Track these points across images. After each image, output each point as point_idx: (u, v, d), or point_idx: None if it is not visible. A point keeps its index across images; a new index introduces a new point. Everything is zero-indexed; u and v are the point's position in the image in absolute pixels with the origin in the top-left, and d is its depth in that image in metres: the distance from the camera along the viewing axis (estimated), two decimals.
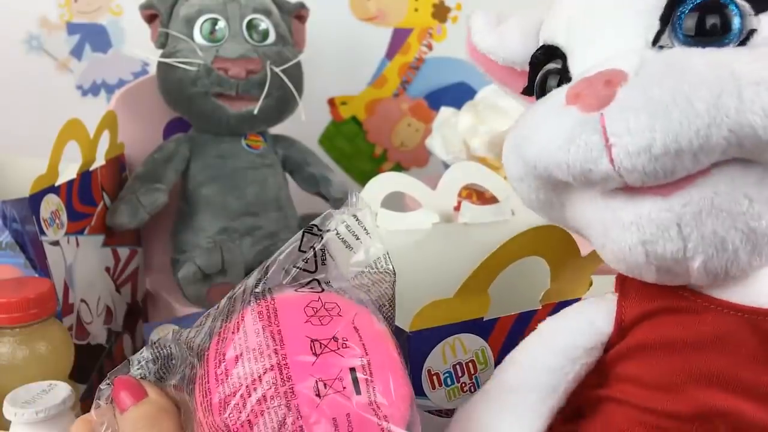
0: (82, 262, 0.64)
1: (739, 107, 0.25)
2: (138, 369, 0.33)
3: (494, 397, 0.34)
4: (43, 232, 0.57)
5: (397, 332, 0.37)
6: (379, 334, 0.30)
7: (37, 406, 0.44)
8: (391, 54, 0.99)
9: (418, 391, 0.37)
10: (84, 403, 0.62)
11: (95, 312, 0.66)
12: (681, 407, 0.30)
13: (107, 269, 0.70)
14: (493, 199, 0.55)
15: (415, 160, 1.03)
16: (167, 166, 0.74)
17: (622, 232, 0.28)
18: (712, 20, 0.28)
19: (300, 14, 0.80)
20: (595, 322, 0.33)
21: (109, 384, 0.33)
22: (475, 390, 0.33)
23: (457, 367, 0.37)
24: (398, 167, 1.03)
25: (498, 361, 0.37)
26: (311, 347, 0.28)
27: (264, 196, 0.75)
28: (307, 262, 0.31)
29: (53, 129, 0.59)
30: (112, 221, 0.69)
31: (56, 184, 0.60)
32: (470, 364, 0.37)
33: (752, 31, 0.28)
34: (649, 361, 0.31)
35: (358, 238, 0.32)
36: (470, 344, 0.37)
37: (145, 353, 0.33)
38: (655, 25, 0.29)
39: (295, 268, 0.31)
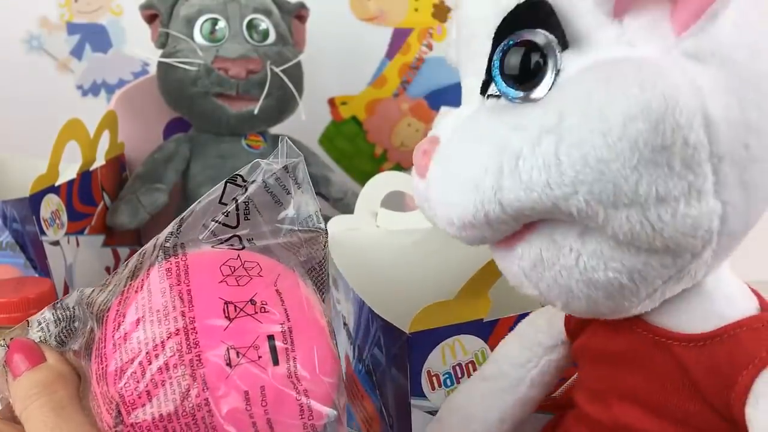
0: (82, 261, 0.64)
1: (506, 185, 0.25)
2: (38, 331, 0.29)
3: (471, 385, 0.37)
4: (43, 232, 0.57)
5: (397, 333, 0.37)
6: (305, 299, 0.27)
7: None
8: (391, 54, 0.99)
9: (418, 392, 0.36)
10: None
11: None
12: (604, 417, 0.31)
13: (107, 269, 0.70)
14: None
15: None
16: (167, 166, 0.74)
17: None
18: (517, 62, 0.26)
19: (300, 14, 0.80)
20: (554, 323, 0.35)
21: (3, 346, 0.29)
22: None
23: (457, 368, 0.37)
24: (398, 167, 1.03)
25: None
26: (224, 310, 0.24)
27: None
28: (227, 216, 0.27)
29: (53, 129, 0.59)
30: (112, 221, 0.69)
31: (56, 184, 0.60)
32: (470, 365, 0.37)
33: (558, 72, 0.26)
34: (588, 367, 0.33)
35: (288, 192, 0.28)
36: (470, 345, 0.37)
37: (46, 314, 0.29)
38: (481, 70, 0.28)
39: (213, 222, 0.27)
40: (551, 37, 0.26)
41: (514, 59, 0.26)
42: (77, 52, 0.96)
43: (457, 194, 0.27)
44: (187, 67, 0.71)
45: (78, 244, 0.63)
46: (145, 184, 0.72)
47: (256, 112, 0.72)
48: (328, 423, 0.25)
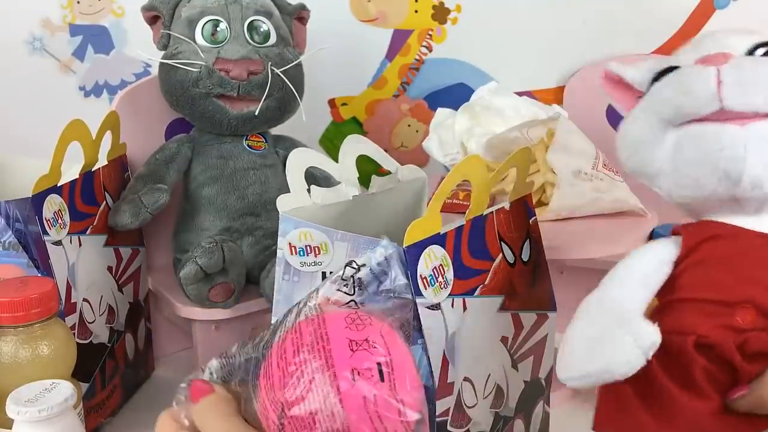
0: (84, 261, 0.64)
1: None
2: (207, 375, 0.43)
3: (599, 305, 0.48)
4: (45, 232, 0.58)
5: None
6: (400, 343, 0.40)
7: (39, 405, 0.45)
8: (391, 55, 1.00)
9: (418, 292, 0.44)
10: (86, 402, 0.63)
11: (97, 311, 0.67)
12: (729, 297, 0.43)
13: (109, 269, 0.70)
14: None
15: (415, 160, 1.04)
16: (169, 167, 0.74)
17: (713, 143, 0.42)
18: None
19: (301, 15, 0.80)
20: (669, 247, 0.48)
21: (185, 387, 0.41)
22: (446, 286, 0.47)
23: (435, 270, 0.47)
24: None
25: (455, 264, 0.48)
26: (349, 345, 0.37)
27: (265, 196, 0.76)
28: (347, 286, 0.42)
29: (56, 130, 0.60)
30: (114, 221, 0.69)
31: (59, 185, 0.61)
32: (440, 267, 0.47)
33: None
34: (708, 270, 0.45)
35: (385, 273, 0.43)
36: (437, 252, 0.47)
37: (213, 362, 0.43)
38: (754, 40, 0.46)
39: (338, 291, 0.42)
40: None
41: None
42: (79, 54, 0.97)
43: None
44: (188, 68, 0.71)
45: (80, 244, 0.64)
46: (147, 184, 0.72)
47: (257, 113, 0.72)
48: (417, 422, 0.37)
